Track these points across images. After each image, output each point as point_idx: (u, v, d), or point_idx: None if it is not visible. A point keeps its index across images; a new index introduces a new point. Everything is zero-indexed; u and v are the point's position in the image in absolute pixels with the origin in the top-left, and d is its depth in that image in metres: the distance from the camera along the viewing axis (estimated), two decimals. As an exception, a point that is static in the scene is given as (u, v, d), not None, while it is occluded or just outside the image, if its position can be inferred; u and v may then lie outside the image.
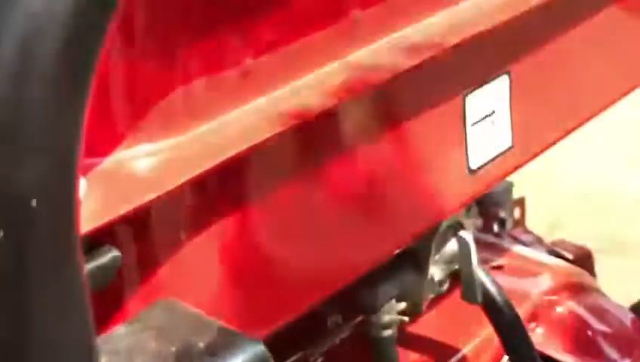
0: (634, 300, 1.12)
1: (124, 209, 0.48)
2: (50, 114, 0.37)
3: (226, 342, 0.49)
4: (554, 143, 0.82)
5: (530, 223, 1.33)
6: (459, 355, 0.89)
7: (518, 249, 1.07)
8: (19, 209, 0.37)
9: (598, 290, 1.04)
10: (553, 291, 0.98)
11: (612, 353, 0.97)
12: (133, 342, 0.50)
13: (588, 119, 0.84)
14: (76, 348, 0.40)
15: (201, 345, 0.49)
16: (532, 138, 0.79)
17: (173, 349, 0.49)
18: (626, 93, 0.87)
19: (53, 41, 0.37)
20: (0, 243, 0.38)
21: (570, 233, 2.12)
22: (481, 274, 0.79)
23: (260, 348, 0.49)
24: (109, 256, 0.49)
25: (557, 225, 2.34)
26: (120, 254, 0.50)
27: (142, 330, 0.50)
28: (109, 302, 0.52)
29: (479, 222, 1.09)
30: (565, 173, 2.53)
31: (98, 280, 0.48)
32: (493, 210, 1.10)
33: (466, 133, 0.72)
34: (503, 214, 1.11)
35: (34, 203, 0.38)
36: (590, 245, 1.27)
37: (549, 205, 2.38)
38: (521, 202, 1.24)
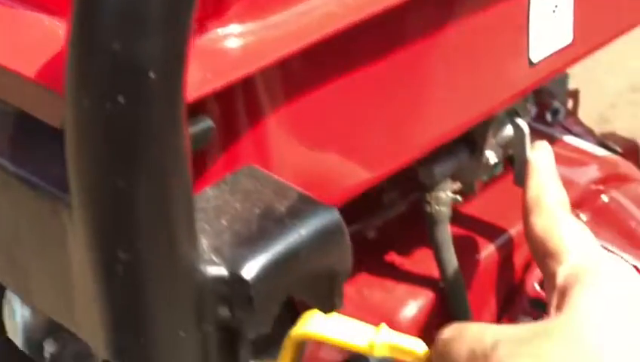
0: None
1: (218, 84, 0.53)
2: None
3: (304, 206, 0.54)
4: (614, 38, 0.85)
5: (582, 117, 1.35)
6: (506, 236, 0.93)
7: (568, 139, 1.10)
8: (139, 79, 0.43)
9: (644, 183, 1.07)
10: (600, 181, 1.02)
11: (653, 243, 0.99)
12: (220, 202, 0.55)
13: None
14: (179, 200, 0.46)
15: (282, 209, 0.54)
16: (593, 32, 0.83)
17: (257, 211, 0.54)
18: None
19: None
20: (123, 108, 0.43)
21: (621, 128, 2.14)
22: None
23: (336, 214, 0.54)
24: (203, 124, 0.54)
25: (609, 120, 2.36)
26: (213, 124, 0.55)
27: (228, 193, 0.56)
28: (200, 167, 0.58)
29: (533, 111, 1.12)
30: (620, 66, 2.52)
31: (194, 145, 0.53)
32: (547, 101, 1.13)
33: (528, 26, 0.76)
34: (556, 105, 1.13)
35: (152, 74, 0.43)
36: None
37: (601, 99, 2.39)
38: (574, 94, 1.26)
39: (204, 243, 0.52)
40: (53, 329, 0.85)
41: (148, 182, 0.45)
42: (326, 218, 0.54)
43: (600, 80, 2.46)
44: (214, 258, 0.51)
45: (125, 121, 0.43)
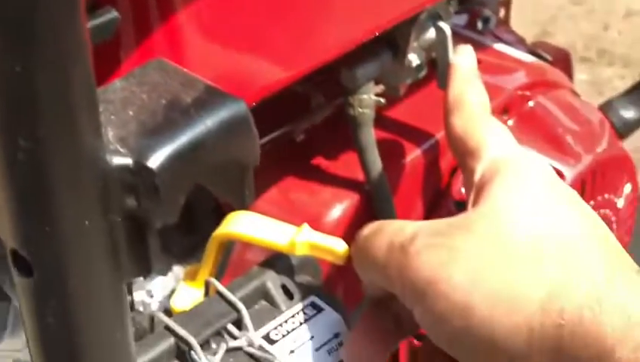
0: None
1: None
2: None
3: (211, 98, 0.54)
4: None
5: (522, 29, 1.35)
6: (432, 140, 0.95)
7: (498, 46, 1.11)
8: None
9: (571, 90, 1.09)
10: (527, 87, 1.03)
11: (577, 148, 1.01)
12: (127, 94, 0.55)
13: None
14: (80, 88, 0.46)
15: (188, 99, 0.55)
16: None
17: (163, 102, 0.55)
18: None
19: None
20: None
21: (562, 41, 2.15)
22: None
23: (242, 106, 0.55)
24: (108, 15, 0.54)
25: (549, 32, 2.37)
26: (118, 15, 0.55)
27: (135, 85, 0.56)
28: (108, 60, 0.58)
29: (463, 18, 1.12)
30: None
31: (97, 37, 0.54)
32: (478, 8, 1.13)
33: None
34: (487, 13, 1.13)
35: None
36: (576, 52, 1.30)
37: (542, 11, 2.40)
38: (506, 3, 1.26)
39: (110, 133, 0.52)
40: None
41: (46, 67, 0.45)
42: (232, 109, 0.54)
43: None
44: (120, 148, 0.52)
45: (20, 3, 0.43)
